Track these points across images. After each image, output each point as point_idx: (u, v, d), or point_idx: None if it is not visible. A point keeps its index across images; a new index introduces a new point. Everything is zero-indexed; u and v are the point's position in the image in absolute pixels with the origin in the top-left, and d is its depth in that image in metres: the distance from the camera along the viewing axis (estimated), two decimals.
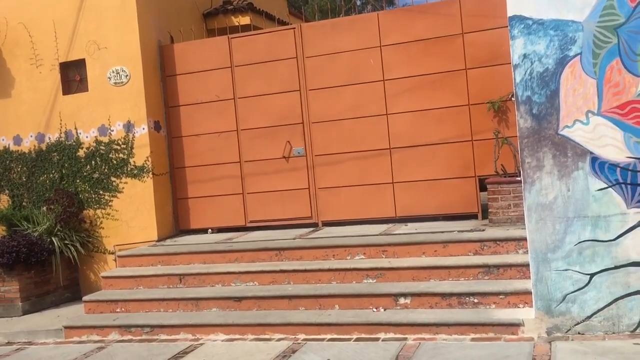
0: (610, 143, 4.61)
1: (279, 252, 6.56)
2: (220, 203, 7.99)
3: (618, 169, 4.60)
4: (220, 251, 6.82)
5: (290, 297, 5.94)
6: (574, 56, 4.71)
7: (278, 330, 5.66)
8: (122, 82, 7.95)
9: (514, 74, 4.90)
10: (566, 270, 4.75)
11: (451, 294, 5.40)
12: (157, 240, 7.81)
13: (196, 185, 8.09)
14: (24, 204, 8.47)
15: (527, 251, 5.45)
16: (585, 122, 4.68)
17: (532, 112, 4.83)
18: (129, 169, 7.97)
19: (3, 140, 8.57)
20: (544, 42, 4.78)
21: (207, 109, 8.01)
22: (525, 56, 4.83)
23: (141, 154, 7.91)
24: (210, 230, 8.08)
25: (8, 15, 8.43)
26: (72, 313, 7.11)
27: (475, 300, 5.32)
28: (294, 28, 7.71)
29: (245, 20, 9.04)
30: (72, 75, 8.30)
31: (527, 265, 5.28)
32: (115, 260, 7.62)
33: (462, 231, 6.20)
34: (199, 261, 6.86)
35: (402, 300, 5.55)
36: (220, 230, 8.07)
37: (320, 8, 19.83)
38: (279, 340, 5.53)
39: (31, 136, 8.43)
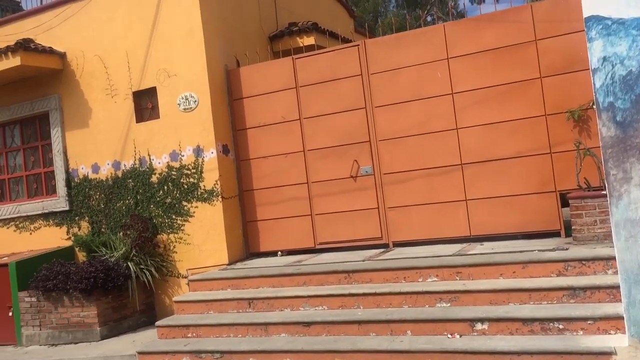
0: None
1: (348, 274, 6.36)
2: (289, 225, 7.90)
3: None
4: (288, 274, 6.70)
5: (360, 322, 5.71)
6: None
7: (348, 357, 5.43)
8: (191, 108, 8.07)
9: (593, 78, 4.51)
10: None
11: (533, 319, 5.00)
12: (228, 264, 7.80)
13: (265, 208, 8.05)
14: (102, 229, 8.73)
15: (617, 271, 5.00)
16: None
17: (615, 119, 4.42)
18: (199, 193, 8.05)
19: (82, 169, 8.90)
20: (625, 42, 4.38)
21: (274, 130, 7.98)
22: (605, 59, 4.45)
23: (210, 178, 7.97)
24: (279, 252, 8.00)
25: (85, 49, 8.80)
26: (147, 338, 7.19)
27: (561, 326, 4.89)
28: (358, 45, 7.57)
29: (309, 40, 9.00)
30: (145, 104, 8.52)
31: (617, 287, 4.82)
32: (187, 284, 7.67)
33: (543, 250, 5.77)
34: (267, 285, 6.77)
35: (479, 326, 5.20)
36: (290, 252, 7.98)
37: (390, 26, 19.68)
38: None
39: (108, 164, 8.71)
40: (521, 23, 6.66)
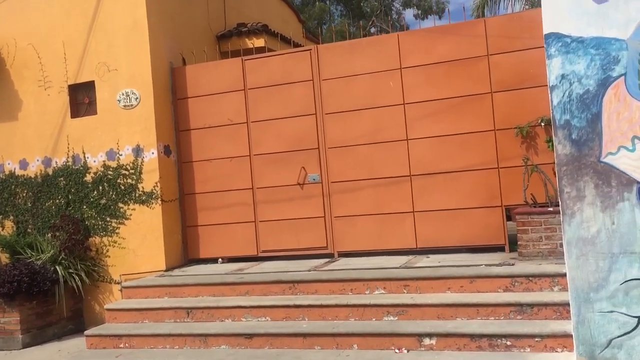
0: None
1: (292, 285, 6.15)
2: (232, 231, 7.62)
3: None
4: (230, 283, 6.42)
5: (305, 335, 5.51)
6: (618, 77, 4.31)
7: None
8: (131, 105, 7.67)
9: (551, 96, 4.51)
10: (611, 312, 4.29)
11: (481, 335, 4.95)
12: (165, 270, 7.43)
13: (207, 213, 7.73)
14: (28, 230, 8.16)
15: (563, 288, 5.04)
16: (631, 148, 4.27)
17: (571, 137, 4.43)
18: (137, 194, 7.64)
19: (9, 164, 8.30)
20: (584, 61, 4.40)
21: (219, 133, 7.69)
22: (563, 77, 4.45)
23: (150, 180, 7.58)
24: (220, 260, 7.70)
25: (17, 36, 8.23)
26: (74, 347, 6.72)
27: (508, 343, 4.86)
28: (310, 50, 7.41)
29: (259, 42, 8.76)
30: (81, 98, 8.04)
31: (564, 305, 4.84)
32: (121, 290, 7.24)
33: (490, 265, 5.76)
34: (207, 293, 6.47)
35: (427, 341, 5.11)
36: (231, 259, 7.69)
37: (337, 32, 19.67)
38: None
39: (37, 160, 8.15)
40: (474, 37, 6.68)
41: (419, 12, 26.90)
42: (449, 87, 6.77)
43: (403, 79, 6.97)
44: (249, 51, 8.31)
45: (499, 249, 6.57)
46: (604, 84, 4.35)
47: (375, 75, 7.08)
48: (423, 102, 6.89)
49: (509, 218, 6.82)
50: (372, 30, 24.87)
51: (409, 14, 23.89)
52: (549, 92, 4.53)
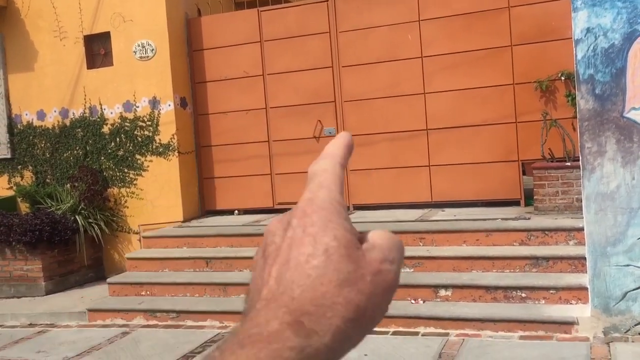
0: None
1: None
2: (248, 184, 7.69)
3: None
4: (248, 234, 6.53)
5: None
6: None
7: None
8: (147, 57, 7.64)
9: (575, 50, 4.47)
10: (627, 265, 4.36)
11: (496, 287, 5.05)
12: (183, 221, 7.55)
13: (223, 165, 7.79)
14: (47, 180, 8.27)
15: (579, 242, 5.09)
16: None
17: (594, 92, 4.41)
18: (154, 146, 7.69)
19: (26, 115, 8.35)
20: (610, 14, 4.33)
21: (235, 85, 7.66)
22: (588, 30, 4.40)
23: (167, 132, 7.62)
24: (236, 211, 7.80)
25: None
26: (96, 294, 6.91)
27: (523, 295, 4.96)
28: (327, 1, 7.29)
29: None
30: (97, 49, 8.01)
31: (579, 258, 4.91)
32: (139, 240, 7.40)
33: (506, 219, 5.82)
34: (226, 244, 6.59)
35: (442, 292, 5.22)
36: (247, 211, 7.79)
37: None
38: None
39: (55, 111, 8.19)
40: None
41: None
42: (468, 40, 6.68)
43: (421, 31, 6.88)
44: (265, 2, 8.18)
45: (514, 203, 6.61)
46: (630, 38, 4.30)
47: (393, 27, 6.99)
48: (441, 55, 6.81)
49: (524, 173, 6.83)
50: None
51: None
52: (573, 45, 4.49)
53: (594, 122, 4.41)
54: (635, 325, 4.35)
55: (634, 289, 4.35)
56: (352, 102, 7.21)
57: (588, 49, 4.42)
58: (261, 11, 7.55)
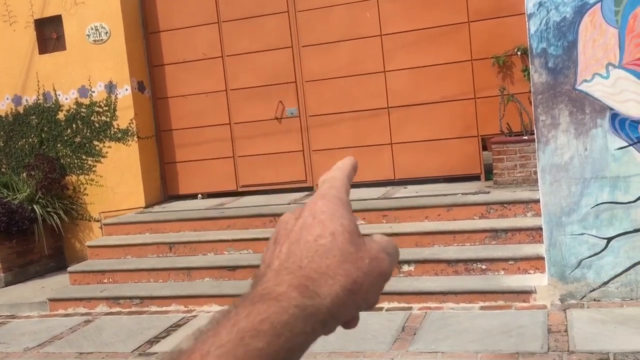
0: (632, 98, 4.29)
1: (273, 218, 6.24)
2: (210, 167, 7.62)
3: None
4: (211, 218, 6.49)
5: None
6: (594, 3, 4.33)
7: None
8: (102, 40, 7.45)
9: (528, 24, 4.52)
10: (582, 234, 4.47)
11: (457, 261, 5.13)
12: (145, 207, 7.44)
13: (184, 149, 7.70)
14: (2, 170, 8.04)
15: (536, 214, 5.20)
16: (605, 75, 4.34)
17: (547, 65, 4.47)
18: (112, 132, 7.54)
19: None
20: None
21: (194, 67, 7.55)
22: (541, 4, 4.45)
23: (125, 117, 7.47)
24: (200, 195, 7.73)
25: None
26: (57, 284, 6.78)
27: (483, 267, 5.06)
28: None
29: None
30: (49, 33, 7.77)
31: (536, 229, 5.01)
32: (101, 228, 7.27)
33: (466, 194, 5.90)
34: (189, 229, 6.53)
35: (405, 268, 5.28)
36: (211, 195, 7.72)
37: None
38: None
39: (7, 99, 7.94)
40: None
41: None
42: (427, 17, 6.70)
43: (380, 9, 6.87)
44: None
45: (475, 178, 6.71)
46: (581, 11, 4.37)
47: (351, 5, 6.96)
48: (400, 33, 6.82)
49: (484, 148, 6.93)
50: None
51: None
52: (526, 20, 4.54)
53: (548, 95, 4.49)
54: (591, 291, 4.48)
55: (588, 257, 4.47)
56: (312, 82, 7.18)
57: (541, 23, 4.48)
58: None
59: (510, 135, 6.15)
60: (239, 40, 7.37)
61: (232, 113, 7.49)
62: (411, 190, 6.56)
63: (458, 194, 5.94)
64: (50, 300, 6.14)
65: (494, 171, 6.12)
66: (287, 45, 7.21)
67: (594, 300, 4.47)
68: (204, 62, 7.51)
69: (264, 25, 7.25)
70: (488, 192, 5.87)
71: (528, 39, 4.55)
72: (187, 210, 6.84)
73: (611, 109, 4.34)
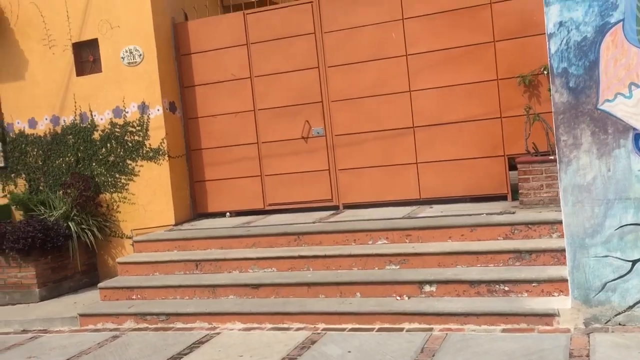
0: None
1: (298, 236, 6.30)
2: (238, 186, 7.74)
3: None
4: (237, 236, 6.58)
5: (309, 285, 5.68)
6: (616, 23, 4.29)
7: (297, 319, 5.41)
8: (135, 62, 7.70)
9: (549, 44, 4.50)
10: (606, 256, 4.38)
11: (480, 282, 5.08)
12: (175, 225, 7.60)
13: (213, 168, 7.85)
14: (40, 188, 8.34)
15: (562, 235, 5.10)
16: (628, 95, 4.28)
17: (568, 85, 4.44)
18: (144, 151, 7.75)
19: (18, 123, 8.42)
20: (582, 8, 4.36)
21: (223, 88, 7.72)
22: (561, 24, 4.43)
23: (157, 136, 7.68)
24: (228, 214, 7.85)
25: None
26: (89, 299, 6.97)
27: (506, 288, 4.99)
28: (312, 2, 7.33)
29: None
30: (86, 56, 8.07)
31: (561, 251, 4.93)
32: (132, 245, 7.45)
33: (491, 214, 5.85)
34: (216, 246, 6.64)
35: (427, 288, 5.25)
36: (239, 213, 7.84)
37: None
38: (298, 330, 5.28)
39: (46, 119, 8.26)
40: None
41: None
42: (452, 37, 6.71)
43: (405, 30, 6.92)
44: (251, 4, 8.24)
45: (501, 198, 6.64)
46: (602, 30, 4.33)
47: (377, 26, 7.03)
48: (426, 52, 6.85)
49: (513, 167, 6.85)
50: None
51: None
52: (547, 40, 4.52)
53: (569, 115, 4.44)
54: (616, 315, 4.38)
55: (613, 280, 4.38)
56: (339, 102, 7.26)
57: (561, 43, 4.45)
58: (247, 14, 7.60)
59: (536, 155, 6.08)
60: (267, 61, 7.51)
61: (259, 132, 7.62)
62: (437, 209, 6.53)
63: (482, 214, 5.89)
64: (81, 315, 6.31)
65: (519, 191, 6.04)
66: (314, 66, 7.31)
67: (619, 324, 4.36)
68: (233, 82, 7.68)
69: (291, 47, 7.38)
70: (513, 213, 5.80)
71: (549, 59, 4.52)
72: (215, 229, 6.96)
73: (634, 129, 4.27)
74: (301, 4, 7.44)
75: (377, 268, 5.69)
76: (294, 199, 7.52)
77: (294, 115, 7.43)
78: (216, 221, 7.56)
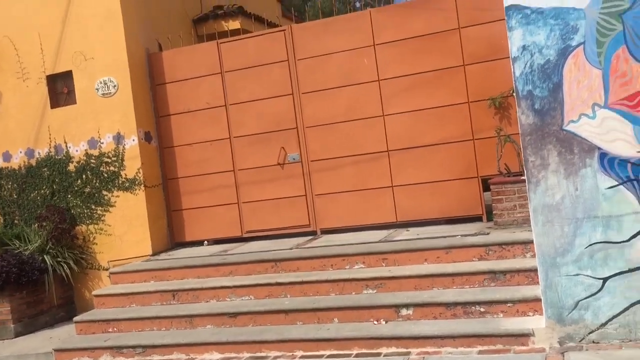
0: (619, 137, 4.30)
1: (275, 263, 6.28)
2: (216, 214, 7.72)
3: (629, 165, 4.29)
4: (214, 264, 6.54)
5: (287, 312, 5.65)
6: (577, 46, 4.40)
7: (275, 347, 5.36)
8: (110, 93, 7.71)
9: (513, 67, 4.60)
10: (577, 275, 4.43)
11: (456, 304, 5.09)
12: (152, 255, 7.54)
13: (190, 196, 7.82)
14: (15, 221, 8.24)
15: (534, 255, 5.15)
16: (591, 115, 4.38)
17: (534, 107, 4.53)
18: (120, 181, 7.72)
19: None
20: (544, 32, 4.48)
21: (199, 117, 7.74)
22: (524, 48, 4.54)
23: (132, 166, 7.65)
24: (206, 242, 7.82)
25: None
26: (65, 334, 6.86)
27: (482, 310, 5.01)
28: (284, 30, 7.44)
29: (235, 24, 8.77)
30: (60, 88, 8.07)
31: (535, 270, 4.96)
32: (109, 276, 7.36)
33: (466, 235, 5.89)
34: (192, 276, 6.59)
35: (404, 312, 5.25)
36: (217, 241, 7.80)
37: (323, 9, 19.51)
38: (276, 358, 5.24)
39: (20, 152, 8.20)
40: (445, 11, 6.72)
41: None
42: (423, 61, 6.83)
43: (377, 55, 7.02)
44: (224, 34, 8.33)
45: (477, 219, 6.70)
46: (564, 53, 4.44)
47: (349, 52, 7.13)
48: (398, 77, 6.95)
49: (487, 188, 6.93)
50: (357, 5, 24.69)
51: None
52: (511, 63, 4.62)
53: (536, 136, 4.52)
54: (589, 333, 4.41)
55: (585, 298, 4.42)
56: (313, 128, 7.31)
57: (525, 66, 4.55)
58: (220, 43, 7.67)
59: (508, 176, 6.15)
60: (242, 89, 7.56)
61: (236, 160, 7.63)
62: (413, 232, 6.56)
63: (457, 235, 5.93)
64: (56, 350, 6.20)
65: (493, 212, 6.11)
66: (288, 93, 7.37)
67: (593, 342, 4.39)
68: (208, 111, 7.71)
69: (265, 74, 7.45)
70: (488, 234, 5.85)
71: (514, 82, 4.62)
72: (191, 258, 6.91)
73: (599, 148, 4.36)
74: (274, 32, 7.54)
75: (354, 293, 5.68)
76: (271, 225, 7.51)
77: (270, 142, 7.46)
78: (194, 250, 7.51)
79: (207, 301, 6.22)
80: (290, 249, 6.55)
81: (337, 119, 7.17)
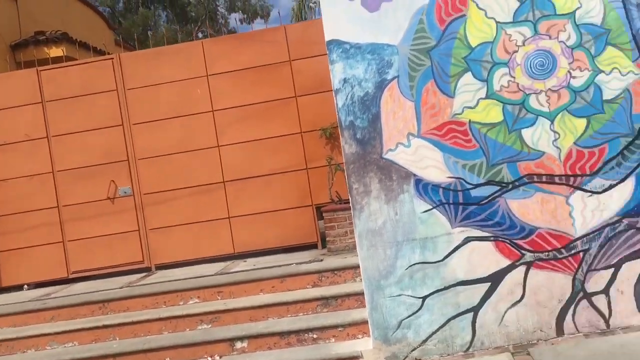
0: (431, 164, 4.63)
1: (103, 304, 5.87)
2: (38, 254, 7.08)
3: (440, 190, 4.62)
4: (33, 310, 5.96)
5: (115, 356, 5.28)
6: (392, 79, 4.69)
7: None
8: None
9: (336, 99, 4.79)
10: (399, 295, 4.65)
11: (290, 332, 5.10)
12: None
13: (7, 237, 7.11)
14: None
15: None
16: (406, 144, 4.67)
17: (356, 137, 4.74)
18: None
19: None
20: (362, 66, 4.72)
21: (16, 150, 7.12)
22: (345, 81, 4.75)
23: None
24: (26, 286, 7.13)
25: None
26: None
27: (315, 336, 5.06)
28: (112, 58, 7.13)
29: (58, 51, 8.26)
30: None
31: (363, 294, 5.13)
32: None
33: (300, 263, 5.96)
34: (7, 325, 5.94)
35: (238, 345, 5.15)
36: (39, 285, 7.15)
37: (163, 40, 19.12)
38: None
39: None
40: (276, 43, 6.88)
41: (245, 16, 27.06)
42: (256, 92, 6.90)
43: (210, 86, 6.97)
44: (46, 61, 7.79)
45: (312, 246, 6.82)
46: (381, 86, 4.71)
47: (182, 83, 7.00)
48: (232, 108, 6.95)
49: (322, 216, 7.11)
50: (200, 35, 24.57)
51: (235, 18, 24.05)
52: (334, 95, 4.80)
53: (358, 164, 4.73)
54: (412, 351, 4.63)
55: (407, 317, 4.64)
56: (146, 160, 7.04)
57: (347, 98, 4.76)
58: (41, 70, 7.16)
59: (339, 203, 6.36)
60: (66, 120, 7.09)
61: (60, 195, 7.09)
62: (250, 263, 6.51)
63: (292, 264, 5.98)
64: None
65: (327, 239, 6.26)
66: (118, 124, 7.05)
67: (415, 359, 4.61)
68: (27, 143, 7.12)
69: (93, 104, 7.06)
70: (321, 260, 5.97)
71: (337, 113, 4.80)
72: (6, 305, 6.23)
73: (415, 175, 4.65)
74: (101, 60, 7.21)
75: (188, 329, 5.47)
76: (101, 264, 7.05)
77: (99, 176, 7.05)
78: (11, 296, 6.80)
79: (23, 352, 5.64)
80: (121, 287, 6.17)
81: (170, 150, 6.98)
